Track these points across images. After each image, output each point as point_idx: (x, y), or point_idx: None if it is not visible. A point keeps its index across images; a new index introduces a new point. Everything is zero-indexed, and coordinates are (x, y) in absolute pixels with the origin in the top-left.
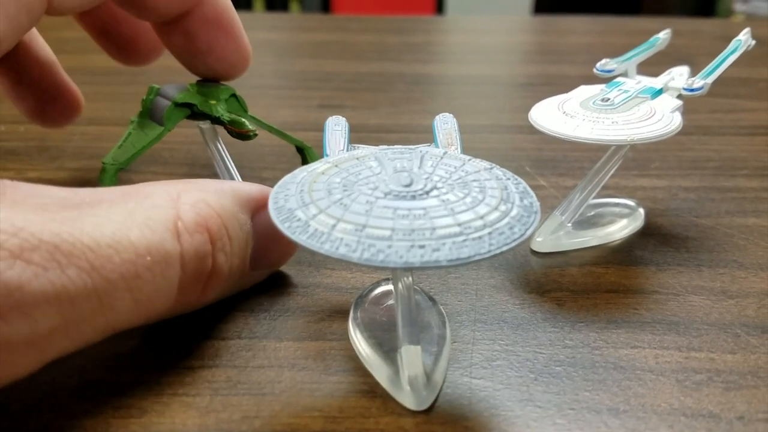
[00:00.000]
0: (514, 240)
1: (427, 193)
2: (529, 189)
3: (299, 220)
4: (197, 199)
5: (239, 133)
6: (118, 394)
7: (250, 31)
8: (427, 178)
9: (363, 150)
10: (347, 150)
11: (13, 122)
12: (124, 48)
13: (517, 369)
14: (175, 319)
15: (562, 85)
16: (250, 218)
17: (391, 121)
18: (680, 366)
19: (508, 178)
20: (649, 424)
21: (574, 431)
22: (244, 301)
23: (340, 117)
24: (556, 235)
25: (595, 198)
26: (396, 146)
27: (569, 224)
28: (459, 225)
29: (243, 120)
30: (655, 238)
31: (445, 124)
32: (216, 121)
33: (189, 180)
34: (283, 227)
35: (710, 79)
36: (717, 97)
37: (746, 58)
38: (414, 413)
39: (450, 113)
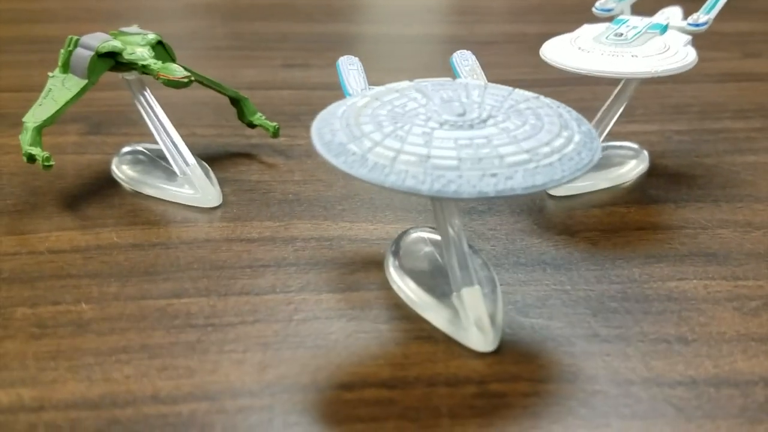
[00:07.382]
0: (585, 165)
1: (484, 121)
2: (582, 117)
3: (354, 153)
4: None
5: (172, 80)
6: (157, 356)
7: None
8: (479, 107)
9: (396, 84)
10: (366, 89)
11: None
12: None
13: (573, 307)
14: (197, 277)
15: (524, 42)
16: None
17: None
18: (732, 294)
19: (559, 106)
20: (722, 350)
21: (651, 362)
22: (267, 255)
23: (353, 56)
24: None
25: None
26: (430, 79)
27: None
28: (527, 152)
29: (174, 66)
30: (664, 178)
31: (466, 61)
32: (144, 70)
33: None
34: (338, 162)
35: (713, 14)
36: None
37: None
38: (482, 355)
39: (468, 51)
